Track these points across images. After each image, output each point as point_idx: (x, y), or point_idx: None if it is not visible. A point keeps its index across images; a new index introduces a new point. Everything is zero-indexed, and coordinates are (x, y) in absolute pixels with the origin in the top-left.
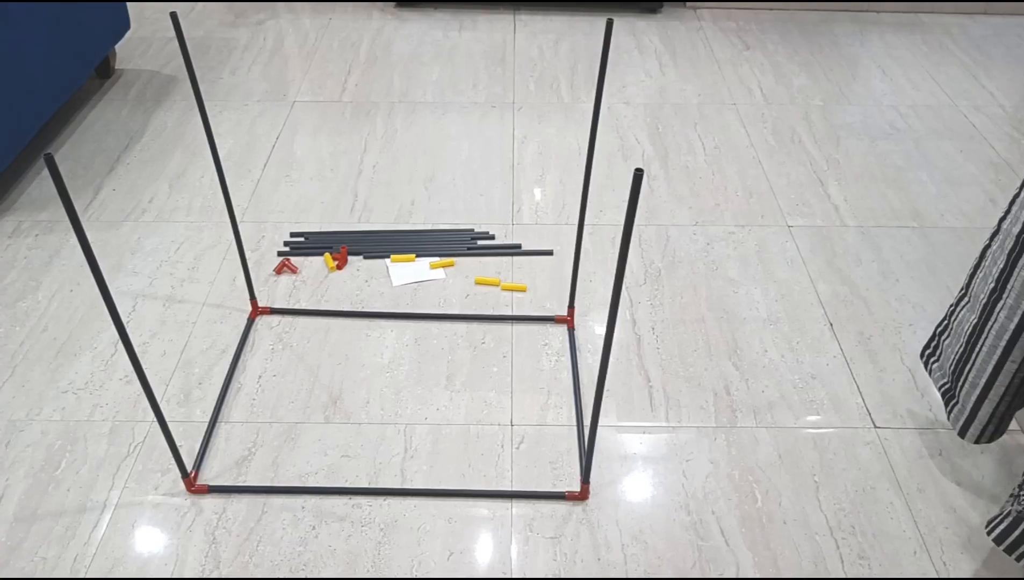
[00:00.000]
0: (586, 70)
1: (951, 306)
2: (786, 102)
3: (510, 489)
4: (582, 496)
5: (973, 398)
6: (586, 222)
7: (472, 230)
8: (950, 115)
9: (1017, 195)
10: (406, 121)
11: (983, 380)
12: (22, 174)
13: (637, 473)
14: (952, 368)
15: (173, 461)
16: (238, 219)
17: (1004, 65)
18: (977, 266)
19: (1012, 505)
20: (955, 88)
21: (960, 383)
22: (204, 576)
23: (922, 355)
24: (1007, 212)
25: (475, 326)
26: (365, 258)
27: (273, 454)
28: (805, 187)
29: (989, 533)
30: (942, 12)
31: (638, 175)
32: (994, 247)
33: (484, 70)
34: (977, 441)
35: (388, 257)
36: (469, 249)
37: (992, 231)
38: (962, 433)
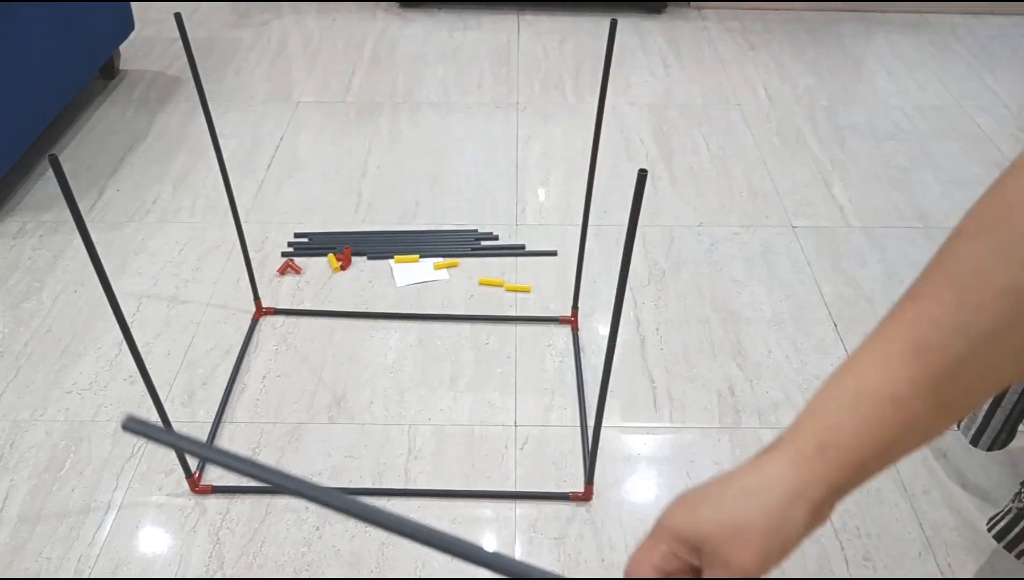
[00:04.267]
0: (591, 70)
1: None
2: (791, 102)
3: (514, 490)
4: (586, 497)
5: (985, 408)
6: (590, 223)
7: (476, 231)
8: (955, 116)
9: None
10: (410, 121)
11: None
12: (26, 175)
13: (641, 474)
14: None
15: (177, 461)
16: (242, 220)
17: (1010, 66)
18: None
19: (1013, 502)
20: (961, 89)
21: None
22: (208, 576)
23: None
24: None
25: (479, 327)
26: (369, 259)
27: (277, 454)
28: (810, 188)
29: (990, 530)
30: (948, 12)
31: (642, 176)
32: None
33: (488, 70)
34: (989, 449)
35: (392, 258)
36: (473, 249)
37: None
38: (974, 442)
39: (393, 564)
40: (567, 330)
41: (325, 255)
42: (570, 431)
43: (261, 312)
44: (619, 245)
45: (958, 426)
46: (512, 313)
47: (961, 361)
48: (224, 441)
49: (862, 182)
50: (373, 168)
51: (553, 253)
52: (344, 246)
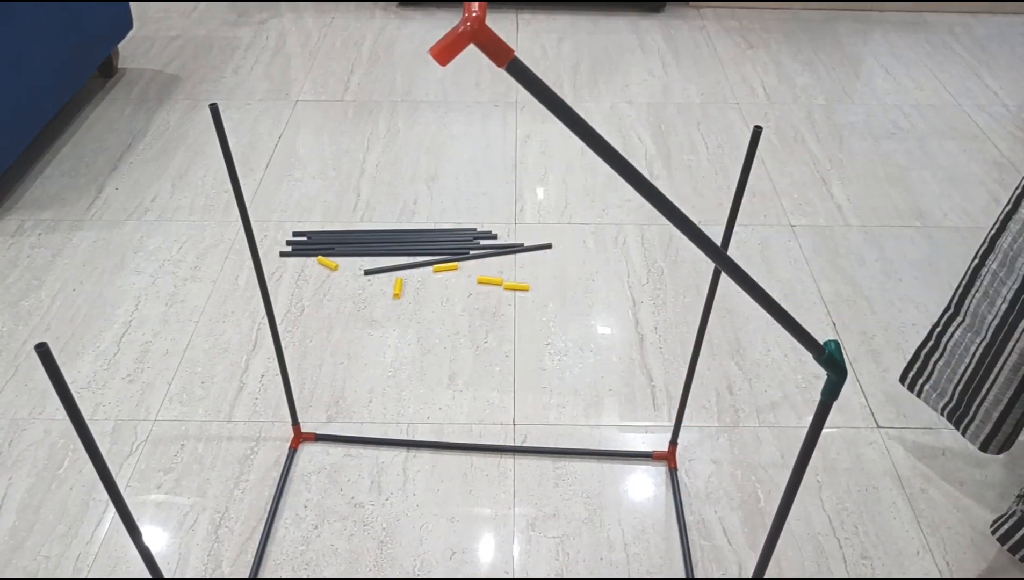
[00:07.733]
0: (589, 69)
1: (935, 327)
2: (789, 101)
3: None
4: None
5: (996, 414)
6: (589, 221)
7: (475, 229)
8: (953, 114)
9: (1012, 212)
10: (408, 120)
11: (1007, 396)
12: (25, 173)
13: (639, 472)
14: (960, 388)
15: (175, 459)
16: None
17: (1008, 64)
18: (968, 286)
19: (1018, 505)
20: (959, 87)
21: (977, 401)
22: (206, 575)
23: (904, 377)
24: (1002, 229)
25: (477, 325)
26: (366, 274)
27: (275, 453)
28: (808, 186)
29: (994, 532)
30: (946, 11)
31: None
32: (994, 266)
33: (487, 69)
34: (1000, 451)
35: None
36: (471, 250)
37: (982, 249)
38: (984, 446)
39: (391, 563)
40: (661, 469)
41: (325, 254)
42: (568, 429)
43: (300, 438)
44: (618, 244)
45: (963, 433)
46: (512, 314)
47: None
48: (223, 439)
49: (860, 181)
50: (372, 167)
51: (548, 246)
52: (343, 244)
